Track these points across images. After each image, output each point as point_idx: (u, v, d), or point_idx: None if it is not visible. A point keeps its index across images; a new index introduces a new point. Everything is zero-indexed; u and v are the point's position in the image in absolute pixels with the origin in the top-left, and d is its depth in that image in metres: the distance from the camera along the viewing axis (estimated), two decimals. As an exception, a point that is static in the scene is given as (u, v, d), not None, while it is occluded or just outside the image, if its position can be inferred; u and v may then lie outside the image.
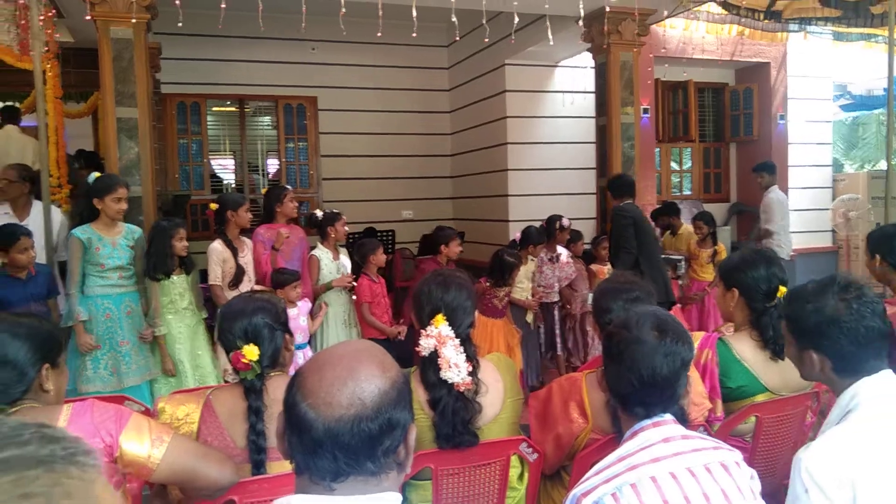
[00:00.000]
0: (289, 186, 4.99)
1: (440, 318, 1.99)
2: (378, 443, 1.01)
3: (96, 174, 4.04)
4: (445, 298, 2.05)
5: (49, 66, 5.01)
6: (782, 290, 2.27)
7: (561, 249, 5.73)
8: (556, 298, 5.66)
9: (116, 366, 3.86)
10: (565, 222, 5.75)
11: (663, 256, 6.21)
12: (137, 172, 4.93)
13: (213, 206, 4.56)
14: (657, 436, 1.42)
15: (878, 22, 6.69)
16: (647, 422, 1.45)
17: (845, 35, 8.36)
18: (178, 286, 4.12)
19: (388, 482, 1.04)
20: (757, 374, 2.25)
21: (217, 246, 4.38)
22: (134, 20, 4.82)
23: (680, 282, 6.12)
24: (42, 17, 4.67)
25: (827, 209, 9.11)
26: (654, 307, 1.66)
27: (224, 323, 1.98)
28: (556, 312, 5.75)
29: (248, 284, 4.39)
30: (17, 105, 6.94)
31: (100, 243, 3.84)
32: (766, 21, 7.02)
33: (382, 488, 1.02)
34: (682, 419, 1.83)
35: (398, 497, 1.03)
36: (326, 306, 4.60)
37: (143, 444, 1.63)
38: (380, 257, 4.87)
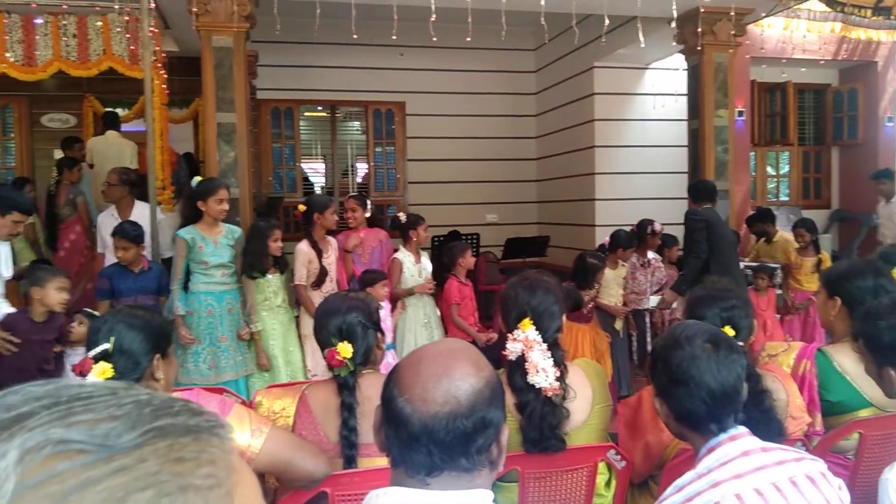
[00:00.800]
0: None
1: (527, 322, 1.99)
2: (472, 440, 1.03)
3: (198, 178, 4.27)
4: (532, 303, 2.05)
5: (156, 74, 5.31)
6: (890, 301, 2.15)
7: (652, 255, 5.61)
8: (649, 305, 5.53)
9: (215, 360, 4.06)
10: (657, 227, 5.63)
11: (758, 264, 5.99)
12: (235, 175, 5.15)
13: (302, 207, 4.72)
14: (736, 450, 1.38)
15: None
16: (724, 436, 1.41)
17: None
18: (272, 284, 4.29)
19: (481, 479, 1.05)
20: (860, 388, 2.15)
21: (303, 247, 4.53)
22: (235, 29, 5.05)
23: (779, 291, 5.88)
24: (151, 29, 4.96)
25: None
26: (698, 321, 1.62)
27: (320, 320, 2.04)
28: (648, 319, 5.62)
29: (330, 285, 4.52)
30: (119, 111, 7.40)
31: (203, 243, 4.05)
32: (874, 18, 6.65)
33: (475, 485, 1.04)
34: (780, 433, 1.77)
35: (490, 494, 1.05)
36: (402, 309, 4.68)
37: (243, 433, 1.71)
38: (468, 260, 4.91)
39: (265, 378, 4.16)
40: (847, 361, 2.19)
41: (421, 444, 1.02)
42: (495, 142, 9.20)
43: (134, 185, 5.02)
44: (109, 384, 0.43)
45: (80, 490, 0.35)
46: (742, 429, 1.43)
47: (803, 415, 2.06)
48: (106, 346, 1.76)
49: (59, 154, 7.17)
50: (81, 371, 1.75)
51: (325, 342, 2.01)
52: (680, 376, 1.45)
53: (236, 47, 5.14)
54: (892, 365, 1.46)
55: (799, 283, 5.91)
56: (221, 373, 4.03)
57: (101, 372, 1.73)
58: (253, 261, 4.19)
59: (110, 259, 4.50)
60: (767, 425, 1.80)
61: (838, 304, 2.23)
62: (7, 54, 5.30)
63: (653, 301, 5.36)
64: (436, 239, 7.36)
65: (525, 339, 1.96)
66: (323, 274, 4.50)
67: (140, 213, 4.83)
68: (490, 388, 1.06)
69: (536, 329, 1.98)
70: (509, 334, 2.02)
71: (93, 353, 1.77)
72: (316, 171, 9.30)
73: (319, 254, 4.53)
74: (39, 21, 5.34)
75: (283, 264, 4.38)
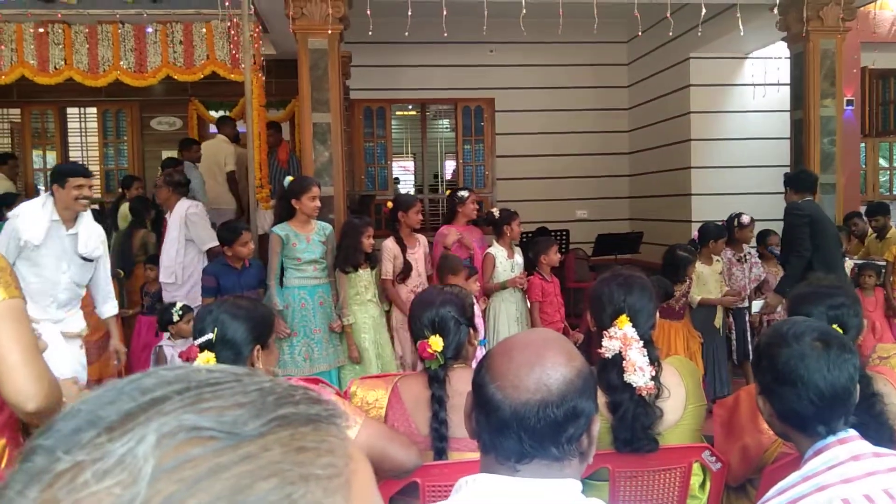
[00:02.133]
0: (466, 191, 5.14)
1: (624, 318, 1.96)
2: (562, 429, 1.03)
3: (290, 178, 4.43)
4: (629, 300, 2.01)
5: (255, 77, 5.54)
6: None
7: (748, 249, 5.38)
8: (752, 310, 5.25)
9: (309, 352, 4.20)
10: (745, 219, 5.36)
11: (864, 261, 5.65)
12: (329, 174, 5.30)
13: (390, 204, 4.85)
14: (845, 454, 1.31)
15: None
16: (832, 438, 1.34)
17: None
18: (363, 279, 4.42)
19: (571, 469, 1.06)
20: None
21: (388, 243, 4.67)
22: (329, 31, 5.19)
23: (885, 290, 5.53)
24: (251, 34, 5.18)
25: None
26: (806, 318, 1.54)
27: (414, 311, 2.08)
28: (747, 318, 5.40)
29: (417, 279, 4.65)
30: (221, 113, 7.76)
31: (296, 239, 4.20)
32: None
33: (564, 475, 1.05)
34: (892, 440, 1.68)
35: (579, 485, 1.05)
36: (485, 303, 4.70)
37: (337, 422, 1.77)
38: (552, 257, 4.87)
39: (357, 370, 4.28)
40: (969, 365, 2.04)
41: (511, 431, 1.03)
42: (586, 136, 9.07)
43: (178, 184, 5.29)
44: (234, 370, 0.44)
45: (210, 476, 0.37)
46: (852, 432, 1.37)
47: (917, 421, 1.94)
48: (210, 336, 1.85)
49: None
50: (188, 358, 1.85)
51: (417, 334, 2.04)
52: (787, 375, 1.40)
53: (331, 49, 5.28)
54: None
55: None
56: (315, 364, 4.17)
57: (205, 361, 1.83)
58: (347, 256, 4.32)
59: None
60: (879, 430, 1.70)
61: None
62: (121, 62, 5.66)
63: (756, 306, 5.11)
64: (524, 235, 7.33)
65: (623, 337, 1.93)
66: (408, 269, 4.63)
67: (180, 209, 5.16)
68: (582, 379, 1.07)
69: (633, 324, 1.95)
70: (605, 332, 1.99)
71: (198, 341, 1.87)
72: (406, 170, 9.44)
73: (404, 249, 4.64)
74: (150, 30, 5.67)
75: (374, 260, 4.51)
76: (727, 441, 2.00)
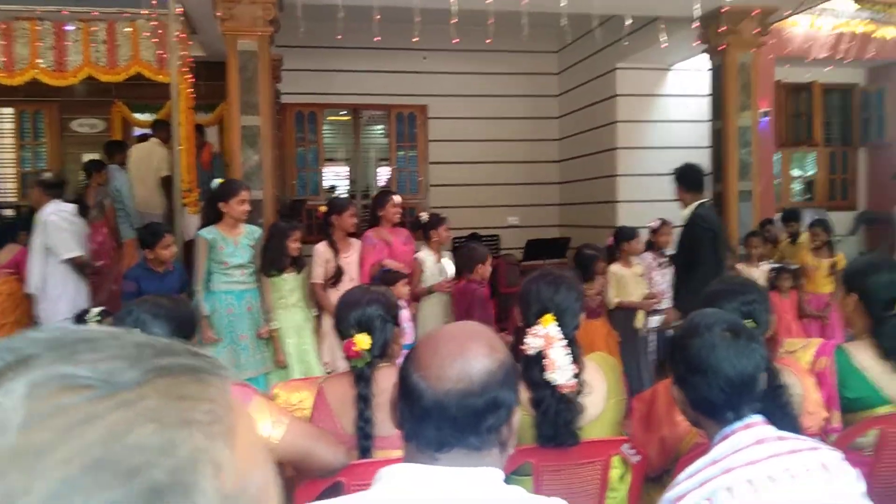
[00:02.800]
0: (395, 195, 5.11)
1: (549, 317, 2.00)
2: (482, 419, 1.06)
3: (219, 180, 4.35)
4: (556, 299, 2.06)
5: (182, 79, 5.41)
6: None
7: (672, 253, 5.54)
8: (650, 325, 5.37)
9: (235, 358, 4.12)
10: (654, 224, 5.55)
11: (781, 265, 5.92)
12: (259, 178, 5.23)
13: (323, 208, 4.81)
14: (750, 438, 1.38)
15: None
16: (739, 424, 1.42)
17: None
18: (288, 283, 4.39)
19: (491, 458, 1.08)
20: (878, 385, 2.13)
21: (320, 247, 4.65)
22: (259, 34, 5.13)
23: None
24: (178, 34, 5.06)
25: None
26: (718, 310, 1.63)
27: (340, 312, 2.08)
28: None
29: (349, 284, 4.52)
30: (146, 116, 7.56)
31: (223, 243, 4.12)
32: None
33: (484, 463, 1.07)
34: (795, 429, 1.77)
35: (500, 473, 1.07)
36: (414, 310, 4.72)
37: (263, 424, 1.75)
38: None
39: (282, 376, 4.22)
40: (866, 358, 2.17)
41: (432, 419, 1.06)
42: (517, 144, 9.21)
43: (49, 185, 5.08)
44: (112, 329, 0.44)
45: (84, 423, 0.36)
46: (758, 417, 1.44)
47: (819, 410, 2.05)
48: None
49: (90, 157, 7.32)
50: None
51: (344, 333, 2.04)
52: (698, 364, 1.46)
53: (261, 51, 5.22)
54: None
55: (816, 285, 5.82)
56: (242, 370, 4.10)
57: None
58: (271, 259, 4.29)
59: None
60: (783, 420, 1.79)
61: (855, 299, 2.22)
62: (39, 60, 5.43)
63: (653, 322, 5.25)
64: (456, 241, 7.38)
65: (546, 335, 1.97)
66: (339, 273, 4.60)
67: (44, 213, 4.87)
68: (504, 371, 1.10)
69: (558, 325, 2.00)
70: (529, 329, 2.03)
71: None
72: (339, 175, 9.38)
73: (336, 253, 4.63)
74: (70, 28, 5.47)
75: (300, 264, 4.46)
76: (646, 434, 2.07)
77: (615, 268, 5.19)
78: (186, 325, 1.91)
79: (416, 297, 4.79)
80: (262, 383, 4.20)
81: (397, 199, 4.98)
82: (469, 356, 1.08)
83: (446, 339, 1.13)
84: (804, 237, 6.21)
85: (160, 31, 5.34)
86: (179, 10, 5.06)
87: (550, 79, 9.37)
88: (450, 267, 5.02)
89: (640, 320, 5.24)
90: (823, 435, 2.06)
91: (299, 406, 2.02)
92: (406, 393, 1.10)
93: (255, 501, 0.42)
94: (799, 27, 7.30)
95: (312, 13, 5.24)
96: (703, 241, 4.44)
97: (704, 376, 1.45)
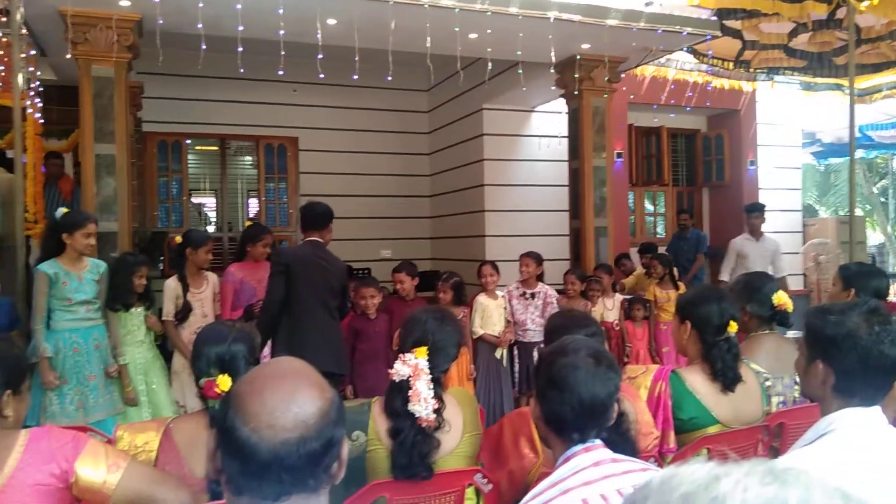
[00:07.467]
0: (263, 233, 4.87)
1: (423, 350, 2.04)
2: (320, 461, 1.03)
3: (64, 210, 4.07)
4: (437, 335, 2.10)
5: (29, 103, 5.08)
6: (733, 325, 2.35)
7: (546, 288, 5.64)
8: (537, 338, 5.42)
9: (83, 400, 3.86)
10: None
11: (633, 296, 6.26)
12: (113, 209, 4.97)
13: (178, 238, 4.62)
14: (588, 460, 1.47)
15: (843, 72, 6.95)
16: (579, 447, 1.50)
17: (813, 84, 8.69)
18: (135, 318, 4.21)
19: (324, 496, 1.07)
20: (708, 407, 2.31)
21: (170, 282, 4.48)
22: (115, 59, 4.92)
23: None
24: (24, 55, 4.75)
25: (797, 253, 9.30)
26: (587, 338, 1.73)
27: (199, 348, 1.95)
28: (535, 353, 5.67)
29: (201, 321, 4.32)
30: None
31: (66, 278, 3.87)
32: (736, 69, 7.27)
33: (320, 503, 1.06)
34: (634, 453, 1.89)
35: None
36: None
37: (98, 469, 1.66)
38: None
39: (131, 416, 3.99)
40: (698, 382, 2.35)
41: (272, 473, 0.99)
42: (389, 179, 9.30)
43: None
44: None
45: None
46: (598, 442, 1.53)
47: (653, 430, 2.20)
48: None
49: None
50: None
51: (202, 371, 1.91)
52: (558, 381, 1.54)
53: (117, 77, 5.01)
54: (823, 358, 1.55)
55: (669, 315, 6.22)
56: (90, 413, 3.83)
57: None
58: (116, 294, 4.09)
59: None
60: (624, 446, 1.90)
61: (689, 327, 2.41)
62: None
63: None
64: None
65: (416, 367, 2.00)
66: (187, 309, 4.42)
67: None
68: (335, 409, 1.07)
69: (429, 360, 2.03)
70: (401, 354, 2.05)
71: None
72: (206, 206, 9.08)
73: (185, 289, 4.45)
74: None
75: (149, 299, 4.29)
76: (495, 468, 2.14)
77: (482, 299, 5.33)
78: (15, 369, 1.75)
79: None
80: (112, 426, 3.93)
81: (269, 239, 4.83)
82: (301, 399, 1.02)
83: (273, 385, 1.03)
84: (639, 270, 6.61)
85: (0, 52, 4.99)
86: (24, 30, 4.75)
87: (421, 116, 9.57)
88: None
89: (500, 350, 5.37)
90: (659, 457, 2.20)
91: (144, 448, 1.93)
92: (235, 449, 1.00)
93: None
94: (647, 76, 7.89)
95: (174, 40, 5.09)
96: (273, 276, 4.00)
97: (561, 393, 1.53)
